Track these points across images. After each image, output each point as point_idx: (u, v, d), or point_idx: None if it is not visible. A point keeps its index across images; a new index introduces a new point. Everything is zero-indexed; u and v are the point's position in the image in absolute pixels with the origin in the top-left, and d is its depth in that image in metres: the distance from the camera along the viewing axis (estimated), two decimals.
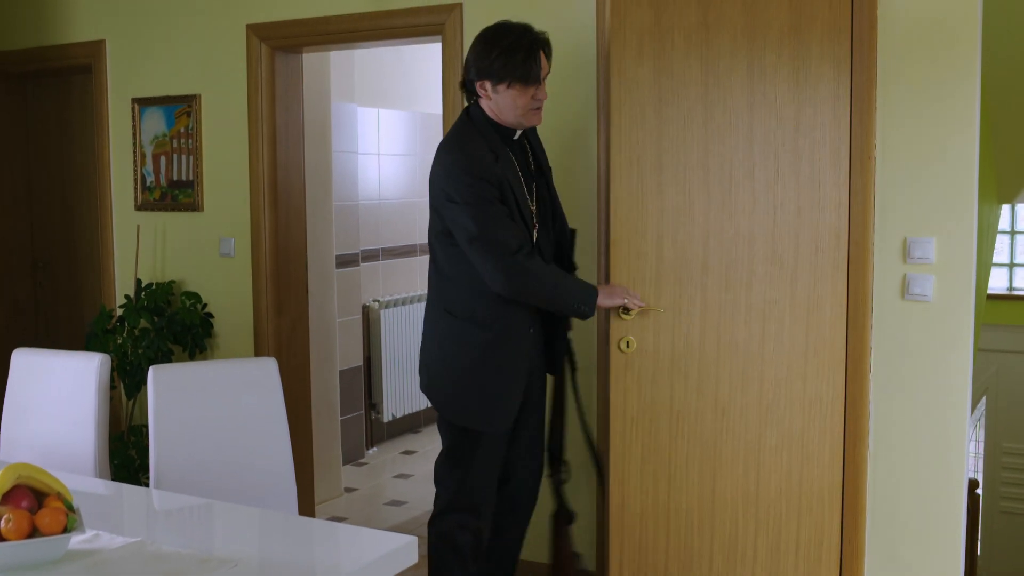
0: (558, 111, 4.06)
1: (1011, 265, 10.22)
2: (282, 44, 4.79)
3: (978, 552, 8.17)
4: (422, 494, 5.64)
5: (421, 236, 6.95)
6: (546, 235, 3.44)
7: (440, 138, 4.35)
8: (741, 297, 3.62)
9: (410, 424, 6.99)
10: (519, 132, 3.37)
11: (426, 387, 3.52)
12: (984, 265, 7.49)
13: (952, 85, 3.48)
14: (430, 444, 6.70)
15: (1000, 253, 10.04)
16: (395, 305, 6.63)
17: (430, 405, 6.81)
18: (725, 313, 3.63)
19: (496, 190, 3.19)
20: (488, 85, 3.23)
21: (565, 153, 4.08)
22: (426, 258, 6.93)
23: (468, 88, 3.32)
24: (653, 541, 3.73)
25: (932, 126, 3.51)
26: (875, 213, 3.58)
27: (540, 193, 3.44)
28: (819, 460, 3.64)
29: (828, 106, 3.55)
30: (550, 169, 3.55)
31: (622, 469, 3.72)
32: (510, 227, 3.20)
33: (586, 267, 4.00)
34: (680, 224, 3.62)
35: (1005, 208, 9.60)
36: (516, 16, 4.10)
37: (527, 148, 3.45)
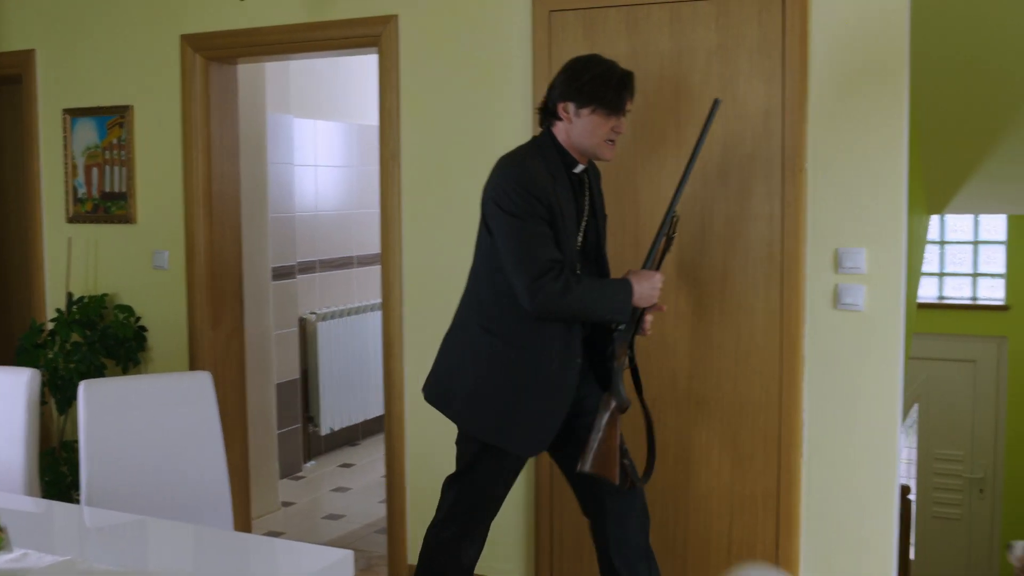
0: (495, 132, 4.09)
1: (940, 275, 10.43)
2: (216, 55, 4.75)
3: (911, 557, 8.32)
4: (360, 507, 5.61)
5: (358, 248, 6.93)
6: (588, 274, 3.32)
7: (376, 149, 4.37)
8: (672, 302, 3.76)
9: (348, 437, 6.96)
10: (581, 168, 3.27)
11: (455, 411, 3.36)
12: (914, 275, 7.64)
13: (881, 99, 3.54)
14: (368, 457, 6.67)
15: (930, 263, 10.24)
16: (332, 317, 6.59)
17: (368, 418, 6.89)
18: (657, 316, 3.70)
19: (546, 211, 3.10)
20: (571, 107, 3.17)
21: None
22: (364, 269, 6.95)
23: (547, 109, 3.25)
24: (584, 523, 3.81)
25: (862, 139, 3.58)
26: (807, 224, 3.64)
27: (588, 234, 3.33)
28: (752, 464, 3.74)
29: (759, 121, 3.64)
30: (605, 217, 3.44)
31: None
32: (549, 247, 3.10)
33: None
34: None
35: (934, 219, 9.78)
36: (451, 33, 4.16)
37: (586, 186, 3.34)
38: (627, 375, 3.32)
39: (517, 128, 4.05)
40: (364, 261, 6.98)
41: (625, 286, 3.18)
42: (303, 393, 6.44)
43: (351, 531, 5.24)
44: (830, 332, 3.66)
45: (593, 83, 3.15)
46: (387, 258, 4.34)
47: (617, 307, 3.17)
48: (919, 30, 3.86)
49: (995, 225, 10.12)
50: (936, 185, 7.19)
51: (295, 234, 6.23)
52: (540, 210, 3.09)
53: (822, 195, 3.62)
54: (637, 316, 3.25)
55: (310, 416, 6.53)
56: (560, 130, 3.22)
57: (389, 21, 4.27)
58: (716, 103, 3.34)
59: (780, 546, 3.75)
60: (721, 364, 3.76)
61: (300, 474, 6.31)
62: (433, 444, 4.31)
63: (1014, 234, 9.83)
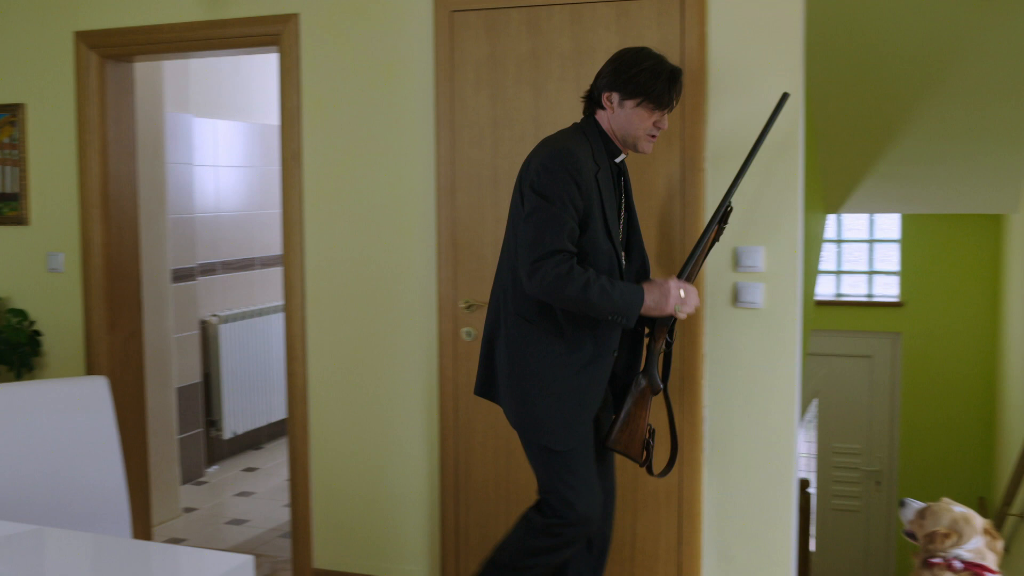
0: (398, 132, 4.08)
1: (838, 272, 10.67)
2: (112, 52, 4.65)
3: (811, 549, 8.50)
4: (264, 512, 5.54)
5: (261, 249, 6.84)
6: (629, 264, 3.29)
7: (277, 149, 4.31)
8: None
9: (252, 440, 6.86)
10: (623, 157, 3.25)
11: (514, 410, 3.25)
12: (812, 273, 7.81)
13: (777, 100, 3.61)
14: (272, 461, 6.59)
15: (827, 261, 10.48)
16: (235, 320, 6.49)
17: (272, 421, 6.81)
18: None
19: (580, 199, 3.05)
20: (616, 98, 3.15)
21: (403, 168, 4.08)
22: (267, 271, 6.86)
23: (592, 98, 3.22)
24: (495, 510, 3.99)
25: None
26: (706, 223, 3.69)
27: (623, 224, 3.28)
28: (655, 461, 3.76)
29: None
30: (634, 209, 3.36)
31: (466, 444, 3.99)
32: (563, 235, 3.01)
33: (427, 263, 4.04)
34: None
35: (831, 218, 10.01)
36: (353, 32, 4.13)
37: (621, 176, 3.30)
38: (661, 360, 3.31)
39: (420, 127, 4.05)
40: (267, 262, 6.89)
41: (637, 293, 3.10)
42: (205, 397, 6.33)
43: (255, 536, 5.17)
44: (730, 330, 3.72)
45: (642, 75, 3.11)
46: (289, 259, 4.29)
47: (619, 310, 3.06)
48: (815, 32, 3.95)
49: (890, 224, 10.39)
50: (833, 185, 7.36)
51: (195, 235, 6.13)
52: (573, 194, 3.03)
53: (721, 194, 3.68)
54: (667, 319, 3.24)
55: (212, 420, 6.43)
56: (603, 118, 3.20)
57: (290, 20, 4.23)
58: (784, 96, 3.38)
59: (683, 541, 3.80)
60: None
61: (202, 479, 6.21)
62: (337, 446, 4.28)
63: (908, 233, 10.10)
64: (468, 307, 3.97)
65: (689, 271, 3.27)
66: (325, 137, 4.22)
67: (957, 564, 2.73)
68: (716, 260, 3.70)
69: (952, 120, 6.04)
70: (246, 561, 2.32)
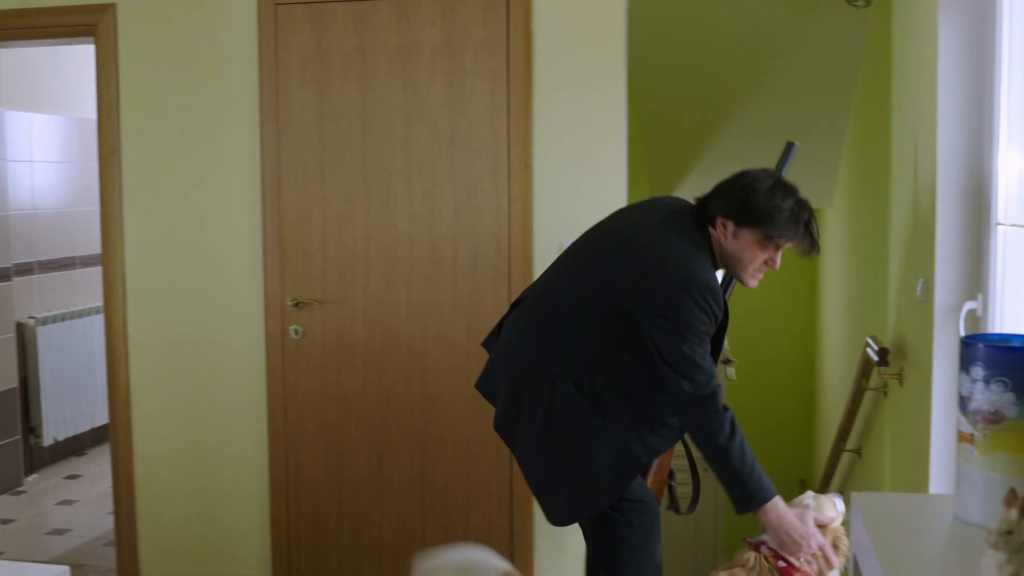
0: (221, 127, 3.99)
1: None
2: None
3: None
4: (88, 520, 5.34)
5: (82, 248, 6.58)
6: None
7: (95, 144, 4.15)
8: (402, 295, 3.84)
9: (75, 447, 6.60)
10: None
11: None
12: None
13: (602, 96, 3.69)
14: (96, 467, 6.36)
15: None
16: (54, 321, 6.23)
17: (96, 426, 6.57)
18: (387, 309, 3.85)
19: (713, 328, 2.81)
20: (731, 226, 2.82)
21: (227, 163, 4.00)
22: (88, 270, 6.60)
23: (705, 211, 2.88)
24: (326, 508, 3.99)
25: (584, 135, 3.72)
26: (533, 218, 3.74)
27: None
28: (485, 455, 3.83)
29: (485, 118, 3.73)
30: None
31: (296, 442, 3.98)
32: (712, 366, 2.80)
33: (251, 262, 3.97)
34: (343, 228, 3.86)
35: None
36: (174, 24, 4.02)
37: None
38: None
39: (244, 122, 3.96)
40: (88, 262, 6.63)
41: (770, 488, 2.79)
42: (23, 402, 6.06)
43: (78, 546, 4.98)
44: None
45: (784, 215, 2.79)
46: (108, 257, 4.15)
47: (750, 493, 2.77)
48: (639, 29, 4.05)
49: None
50: (658, 181, 7.55)
51: (10, 234, 5.86)
52: (710, 329, 2.80)
53: (548, 190, 3.74)
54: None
55: (31, 426, 6.16)
56: (713, 237, 2.87)
57: (107, 9, 4.08)
58: (791, 147, 3.17)
59: (515, 533, 3.84)
60: (453, 358, 3.83)
61: (21, 489, 5.94)
62: (163, 449, 4.17)
63: None
64: (296, 305, 3.92)
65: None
66: (145, 131, 4.10)
67: (764, 549, 2.81)
68: (543, 255, 3.75)
69: (770, 117, 6.27)
70: (62, 572, 2.24)
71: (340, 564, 3.98)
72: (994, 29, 2.74)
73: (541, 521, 3.85)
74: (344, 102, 3.84)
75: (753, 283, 2.91)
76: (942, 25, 2.85)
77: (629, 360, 2.85)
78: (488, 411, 3.77)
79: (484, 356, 3.78)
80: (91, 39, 4.17)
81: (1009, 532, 1.16)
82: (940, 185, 2.94)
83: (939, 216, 2.95)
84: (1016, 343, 1.49)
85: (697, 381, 2.73)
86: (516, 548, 3.84)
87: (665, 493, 3.21)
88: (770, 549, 2.75)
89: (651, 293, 2.78)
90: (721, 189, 2.88)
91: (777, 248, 2.84)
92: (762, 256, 2.85)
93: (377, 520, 3.95)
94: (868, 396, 4.51)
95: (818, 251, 2.89)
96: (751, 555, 2.76)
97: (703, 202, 2.91)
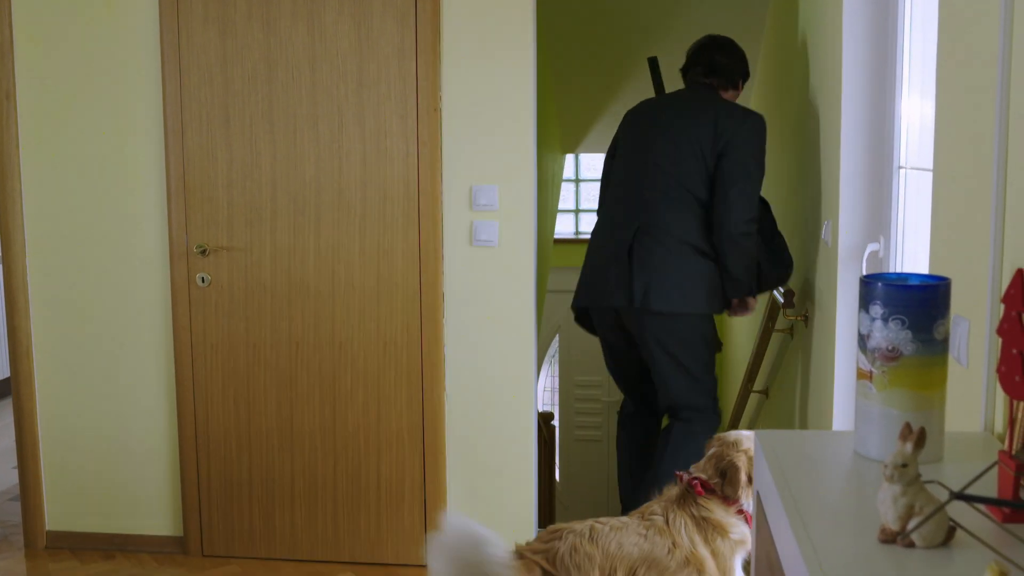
0: (118, 66, 3.87)
1: (576, 211, 10.99)
2: None
3: (556, 478, 8.81)
4: None
5: None
6: None
7: None
8: (310, 241, 3.80)
9: None
10: None
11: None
12: (550, 212, 8.01)
13: (511, 40, 3.66)
14: (0, 421, 6.22)
15: (566, 200, 10.77)
16: None
17: None
18: (295, 256, 3.81)
19: None
20: (742, 82, 3.89)
21: (128, 107, 3.88)
22: None
23: (734, 75, 3.83)
24: (237, 458, 3.96)
25: (494, 79, 3.69)
26: (442, 163, 3.71)
27: None
28: (396, 402, 3.82)
29: (394, 61, 3.67)
30: None
31: (204, 392, 3.93)
32: None
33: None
34: (248, 173, 3.79)
35: (569, 158, 10.27)
36: None
37: None
38: None
39: (145, 64, 3.84)
40: None
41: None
42: None
43: None
44: (467, 268, 3.77)
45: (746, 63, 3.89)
46: (5, 206, 4.01)
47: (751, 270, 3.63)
48: None
49: None
50: (569, 125, 7.55)
51: None
52: None
53: (456, 135, 3.71)
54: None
55: None
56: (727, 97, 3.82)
57: None
58: (654, 61, 4.17)
59: (427, 479, 3.85)
60: (363, 305, 3.80)
61: None
62: (68, 402, 4.08)
63: None
64: (202, 252, 3.85)
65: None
66: (41, 75, 3.95)
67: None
68: (452, 200, 3.73)
69: (680, 63, 6.29)
70: None
71: (251, 514, 3.96)
72: None
73: (453, 465, 3.86)
74: (248, 43, 3.74)
75: None
76: None
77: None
78: (403, 358, 3.77)
79: (394, 302, 3.78)
80: None
81: (904, 465, 1.19)
82: (844, 130, 2.98)
83: (843, 160, 3.00)
84: (914, 282, 1.52)
85: (754, 208, 3.62)
86: (428, 492, 3.86)
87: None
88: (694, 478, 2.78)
89: (730, 120, 3.62)
90: (729, 56, 3.81)
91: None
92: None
93: (288, 468, 3.92)
94: (775, 338, 4.59)
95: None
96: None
97: (710, 72, 3.79)
